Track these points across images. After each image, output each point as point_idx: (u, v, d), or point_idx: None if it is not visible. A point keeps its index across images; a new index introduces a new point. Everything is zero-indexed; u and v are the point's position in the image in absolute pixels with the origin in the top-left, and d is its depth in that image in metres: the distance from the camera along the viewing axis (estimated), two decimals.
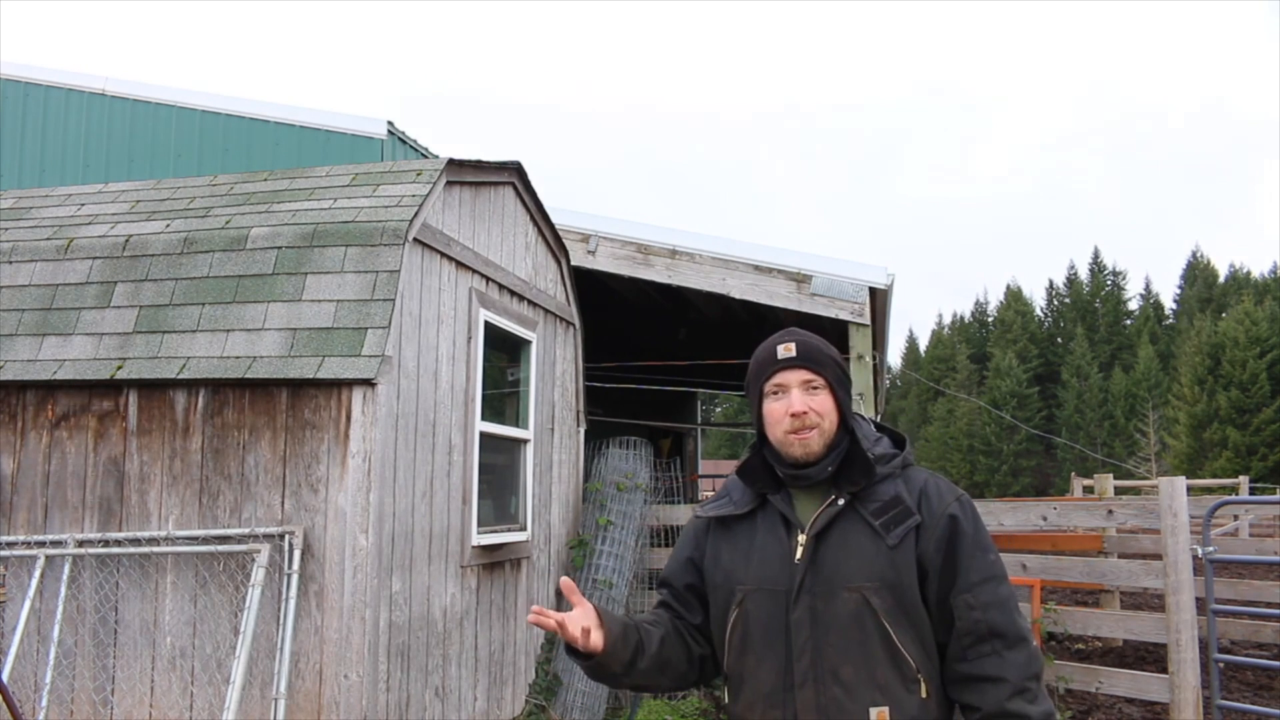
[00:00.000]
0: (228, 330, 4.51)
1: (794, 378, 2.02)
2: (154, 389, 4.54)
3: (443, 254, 4.94)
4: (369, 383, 4.24)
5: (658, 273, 7.95)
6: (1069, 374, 66.41)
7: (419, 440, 4.68)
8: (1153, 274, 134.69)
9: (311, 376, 4.25)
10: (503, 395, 5.97)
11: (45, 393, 4.71)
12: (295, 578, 4.14)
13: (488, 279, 5.51)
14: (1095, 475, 11.91)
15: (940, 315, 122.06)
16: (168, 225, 5.02)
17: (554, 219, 6.65)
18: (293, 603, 4.12)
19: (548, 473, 6.48)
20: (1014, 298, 75.23)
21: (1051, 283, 78.30)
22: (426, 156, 10.34)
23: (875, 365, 8.13)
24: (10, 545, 4.58)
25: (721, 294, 7.91)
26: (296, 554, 4.16)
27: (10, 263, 5.05)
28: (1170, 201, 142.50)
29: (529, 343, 6.12)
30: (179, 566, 4.41)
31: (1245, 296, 56.48)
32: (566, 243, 7.06)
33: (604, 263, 8.03)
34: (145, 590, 4.44)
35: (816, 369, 2.02)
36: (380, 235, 4.50)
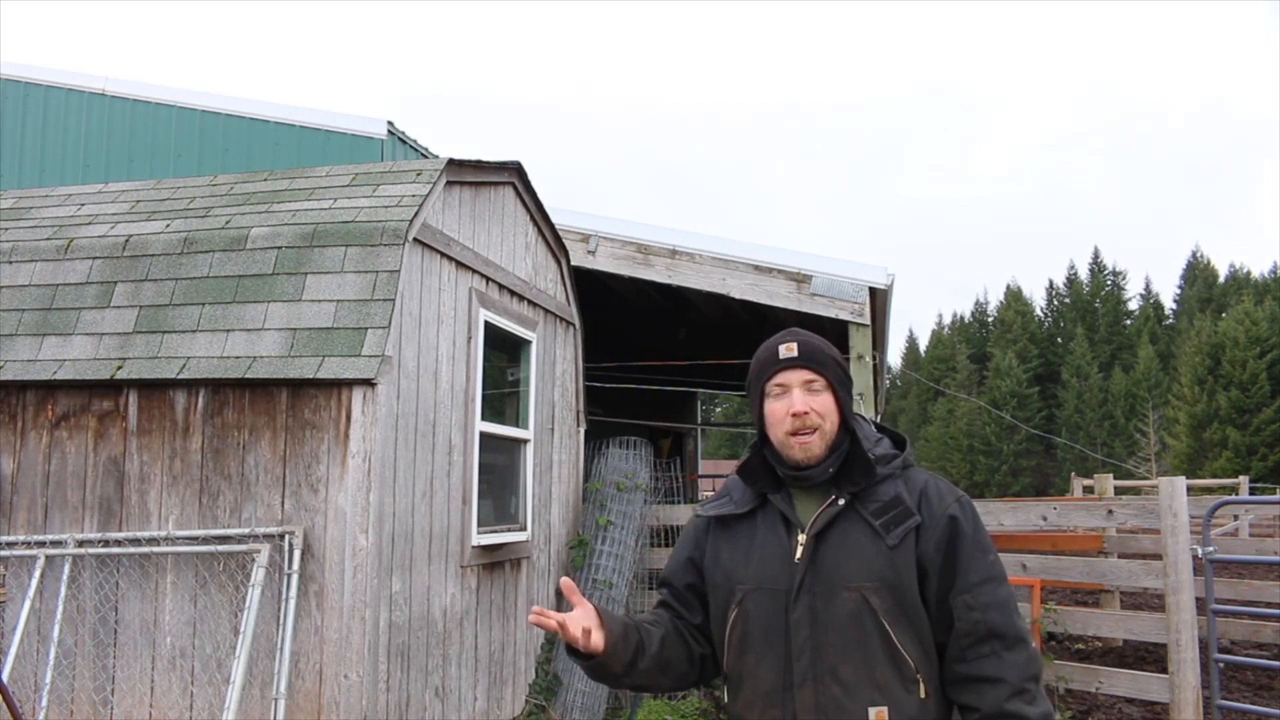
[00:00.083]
0: (228, 330, 4.51)
1: (795, 378, 2.02)
2: (154, 389, 4.54)
3: (443, 254, 4.94)
4: (369, 383, 4.24)
5: (658, 273, 7.95)
6: (1069, 374, 66.41)
7: (419, 440, 4.68)
8: (1153, 274, 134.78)
9: (311, 376, 4.25)
10: (503, 395, 5.97)
11: (45, 393, 4.71)
12: (295, 578, 4.14)
13: (488, 279, 5.52)
14: (1095, 475, 11.91)
15: (940, 315, 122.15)
16: (168, 225, 5.02)
17: (554, 219, 6.65)
18: (293, 603, 4.12)
19: (548, 473, 6.48)
20: (1014, 298, 75.25)
21: (1051, 283, 78.40)
22: (426, 156, 10.34)
23: (875, 365, 8.13)
24: (10, 545, 4.58)
25: (721, 294, 7.91)
26: (296, 554, 4.16)
27: (10, 263, 5.06)
28: (1170, 201, 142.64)
29: (529, 343, 6.12)
30: (179, 566, 4.41)
31: (1245, 296, 56.48)
32: (566, 243, 7.06)
33: (604, 263, 8.03)
34: (145, 590, 4.44)
35: (818, 369, 2.03)
36: (380, 235, 4.50)
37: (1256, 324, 50.94)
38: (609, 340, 11.26)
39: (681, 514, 7.09)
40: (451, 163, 5.07)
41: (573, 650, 1.96)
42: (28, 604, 4.46)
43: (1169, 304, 75.34)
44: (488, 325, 5.46)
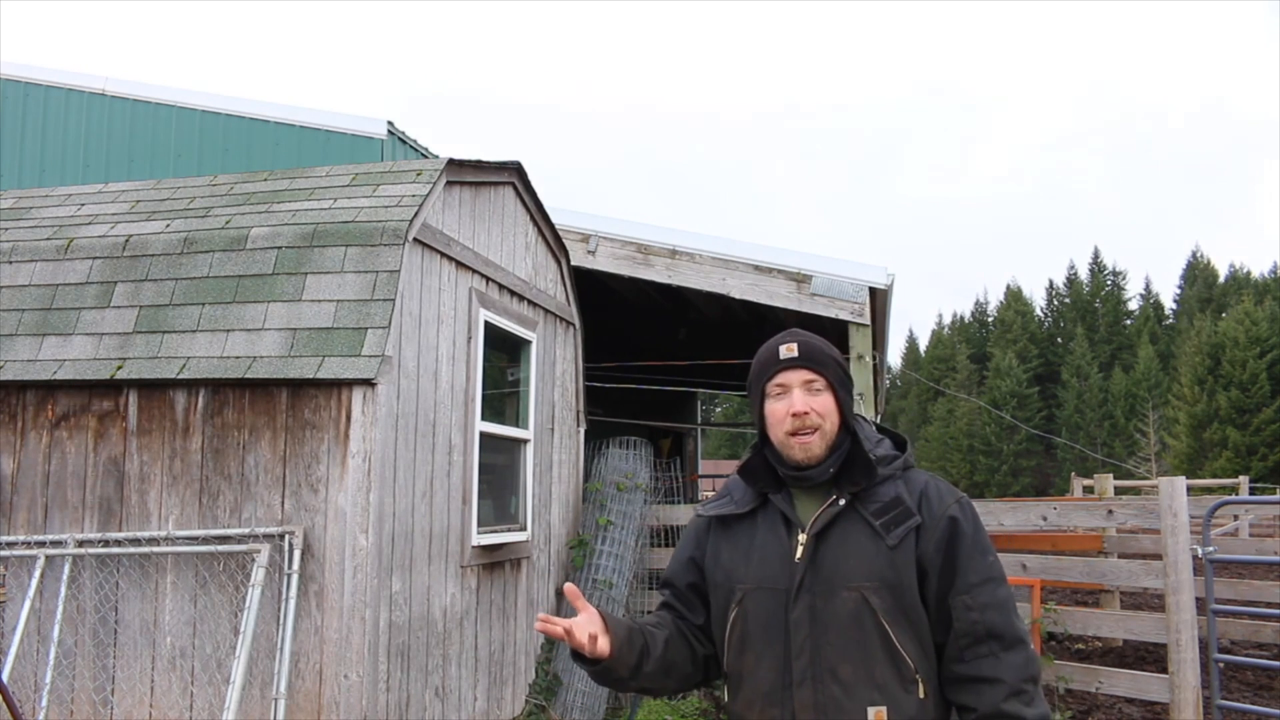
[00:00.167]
0: (228, 330, 4.51)
1: (796, 378, 2.03)
2: (154, 389, 4.54)
3: (443, 254, 4.94)
4: (369, 383, 4.24)
5: (658, 273, 7.95)
6: (1069, 374, 66.42)
7: (419, 440, 4.68)
8: (1153, 274, 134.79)
9: (311, 376, 4.25)
10: (503, 395, 5.97)
11: (45, 393, 4.71)
12: (295, 578, 4.14)
13: (488, 279, 5.52)
14: (1095, 475, 11.91)
15: (940, 315, 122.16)
16: (168, 225, 5.03)
17: (554, 219, 6.65)
18: (293, 603, 4.12)
19: (548, 473, 6.48)
20: (1014, 298, 75.26)
21: (1051, 283, 78.41)
22: (426, 156, 10.34)
23: (875, 365, 8.13)
24: (10, 545, 4.58)
25: (721, 294, 7.91)
26: (296, 554, 4.16)
27: (10, 263, 5.06)
28: (1170, 201, 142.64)
29: (529, 343, 6.12)
30: (179, 566, 4.41)
31: (1245, 296, 56.49)
32: (566, 243, 7.06)
33: (604, 263, 8.03)
34: (145, 590, 4.44)
35: (818, 369, 2.03)
36: (380, 235, 4.50)
37: (1256, 324, 50.94)
38: (609, 340, 11.26)
39: (681, 514, 7.09)
40: (451, 163, 5.07)
41: (578, 655, 1.96)
42: (28, 604, 4.46)
43: (1169, 304, 75.38)
44: (488, 325, 5.46)
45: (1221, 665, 6.07)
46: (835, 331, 7.39)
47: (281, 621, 4.13)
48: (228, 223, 4.90)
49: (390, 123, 9.85)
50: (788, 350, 2.04)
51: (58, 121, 10.76)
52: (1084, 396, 64.10)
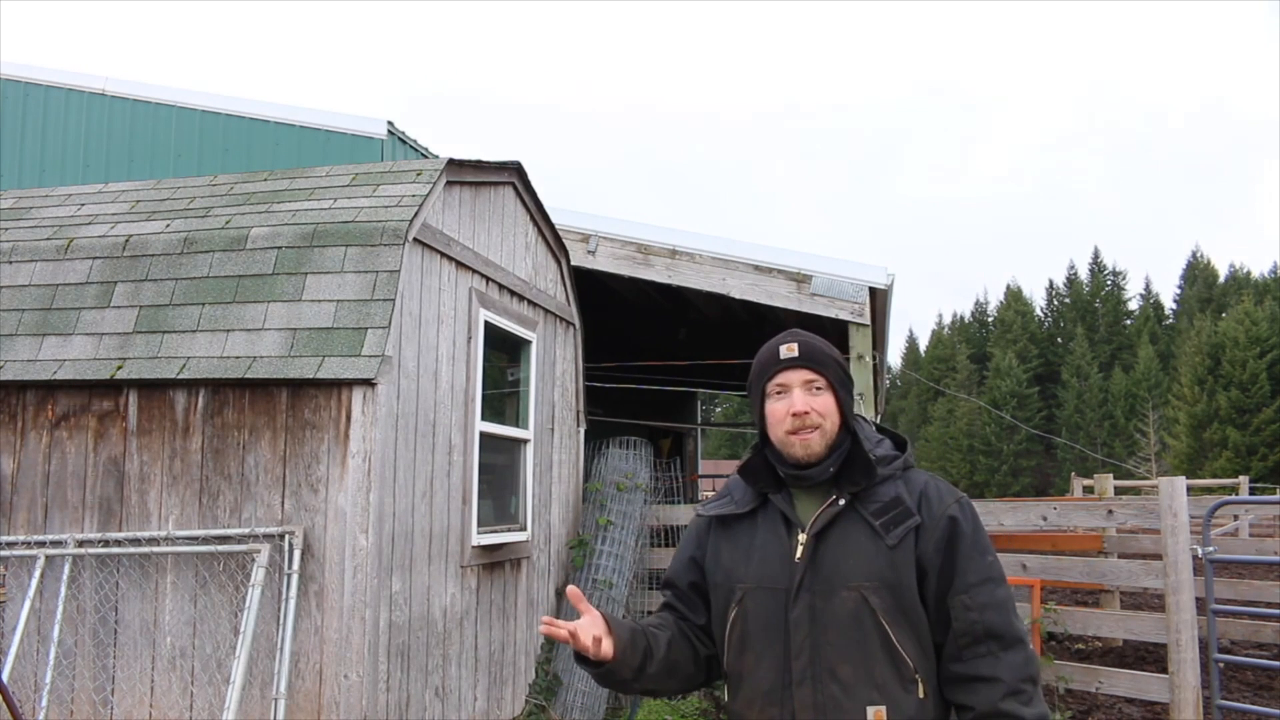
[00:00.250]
0: (228, 330, 4.51)
1: (796, 378, 2.03)
2: (154, 389, 4.54)
3: (443, 254, 4.94)
4: (369, 383, 4.24)
5: (658, 273, 7.95)
6: (1069, 374, 66.42)
7: (419, 440, 4.68)
8: (1153, 274, 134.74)
9: (311, 376, 4.25)
10: (503, 395, 5.97)
11: (45, 393, 4.71)
12: (295, 578, 4.14)
13: (488, 279, 5.52)
14: (1095, 475, 11.91)
15: (940, 315, 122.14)
16: (168, 225, 5.03)
17: (554, 219, 6.65)
18: (293, 603, 4.12)
19: (548, 473, 6.48)
20: (1014, 298, 75.26)
21: (1051, 283, 78.40)
22: (426, 156, 10.34)
23: (875, 365, 8.14)
24: (10, 545, 4.59)
25: (721, 294, 7.91)
26: (296, 554, 4.16)
27: (10, 263, 5.06)
28: (1170, 201, 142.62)
29: (529, 343, 6.12)
30: (179, 566, 4.41)
31: (1245, 296, 56.49)
32: (566, 243, 7.06)
33: (604, 263, 8.03)
34: (145, 590, 4.44)
35: (819, 369, 2.03)
36: (380, 235, 4.50)
37: (1256, 324, 50.94)
38: (609, 340, 11.26)
39: (681, 514, 7.09)
40: (451, 163, 5.07)
41: (582, 658, 1.96)
42: (28, 604, 4.46)
43: (1169, 304, 75.37)
44: (488, 325, 5.46)
45: (1221, 665, 6.07)
46: (835, 331, 7.39)
47: (281, 621, 4.13)
48: (228, 223, 4.90)
49: (390, 123, 9.85)
50: (788, 350, 2.05)
51: (58, 121, 10.76)
52: (1084, 396, 64.10)
